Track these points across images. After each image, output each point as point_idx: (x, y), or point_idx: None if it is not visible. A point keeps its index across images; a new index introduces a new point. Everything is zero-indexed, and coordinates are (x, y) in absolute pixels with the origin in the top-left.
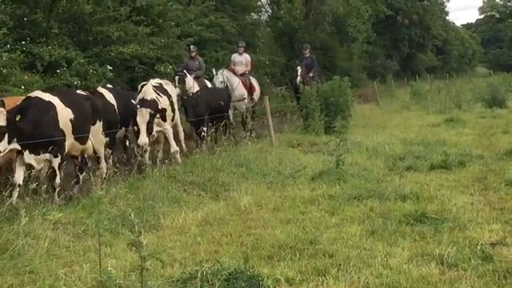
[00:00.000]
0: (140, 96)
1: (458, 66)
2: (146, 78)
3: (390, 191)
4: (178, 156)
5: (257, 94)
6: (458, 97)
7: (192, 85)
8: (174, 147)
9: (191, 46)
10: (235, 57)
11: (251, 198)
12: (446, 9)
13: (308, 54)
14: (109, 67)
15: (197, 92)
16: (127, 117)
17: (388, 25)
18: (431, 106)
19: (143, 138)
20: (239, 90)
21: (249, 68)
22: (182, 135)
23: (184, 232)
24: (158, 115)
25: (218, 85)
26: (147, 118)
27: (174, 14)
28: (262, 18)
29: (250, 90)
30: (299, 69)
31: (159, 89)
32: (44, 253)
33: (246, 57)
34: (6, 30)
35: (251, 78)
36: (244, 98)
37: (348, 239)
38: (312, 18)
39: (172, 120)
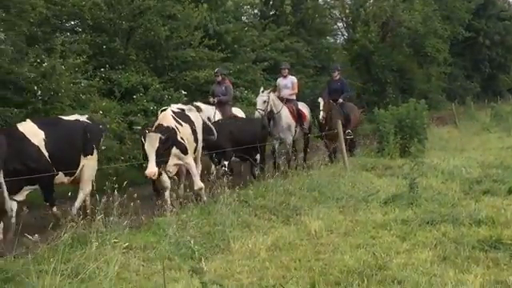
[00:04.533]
0: (156, 123)
1: None
2: None
3: (465, 216)
4: (202, 193)
5: (307, 123)
6: None
7: (212, 113)
8: (199, 184)
9: (217, 69)
10: (280, 81)
11: (322, 222)
12: None
13: (338, 77)
14: (183, 92)
15: (218, 120)
16: None
17: (468, 46)
18: None
19: (151, 168)
20: (286, 118)
21: (295, 91)
22: (198, 169)
23: (253, 257)
24: (174, 146)
25: (260, 105)
26: (156, 144)
27: (249, 40)
28: (338, 41)
29: (300, 118)
30: (321, 101)
31: (180, 115)
32: (114, 276)
33: (292, 79)
34: (85, 58)
35: (300, 103)
36: (291, 129)
37: (418, 265)
38: (389, 40)
39: (194, 152)
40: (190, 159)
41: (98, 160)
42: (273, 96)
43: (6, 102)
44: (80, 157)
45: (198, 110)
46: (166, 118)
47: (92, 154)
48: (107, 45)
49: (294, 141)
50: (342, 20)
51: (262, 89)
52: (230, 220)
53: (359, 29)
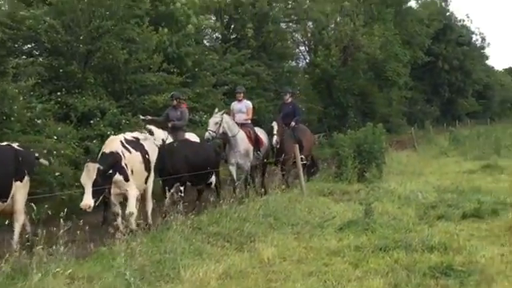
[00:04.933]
0: (102, 149)
1: (501, 111)
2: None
3: (418, 242)
4: (132, 220)
5: (264, 149)
6: (498, 142)
7: (164, 137)
8: (131, 208)
9: (173, 93)
10: (234, 105)
11: (275, 249)
12: (487, 53)
13: (289, 100)
14: (141, 117)
15: (173, 143)
16: None
17: (428, 70)
18: (469, 152)
19: (86, 200)
20: (243, 143)
21: (250, 116)
22: (150, 203)
23: (203, 286)
24: (116, 172)
25: (211, 126)
26: (93, 175)
27: (210, 63)
28: (300, 65)
29: (257, 143)
30: (275, 126)
31: (132, 142)
32: None
33: (247, 104)
34: (39, 81)
35: (257, 128)
36: (248, 154)
37: None
38: (350, 64)
39: (145, 181)
40: (131, 187)
41: (51, 186)
42: (227, 118)
43: None
44: (12, 183)
45: (150, 133)
46: (112, 143)
47: (22, 181)
48: (64, 68)
49: (251, 166)
50: (304, 44)
51: (216, 110)
52: (181, 248)
53: (320, 53)
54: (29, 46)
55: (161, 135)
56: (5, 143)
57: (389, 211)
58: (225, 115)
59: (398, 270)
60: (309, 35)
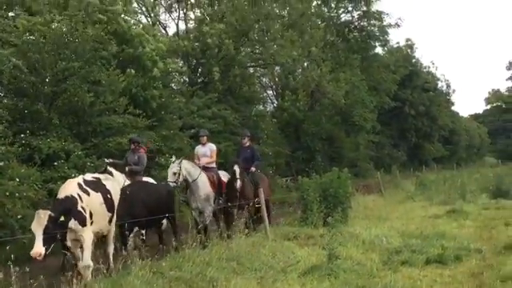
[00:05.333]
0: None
1: (467, 156)
2: (146, 170)
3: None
4: (88, 273)
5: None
6: (463, 187)
7: (122, 181)
8: (86, 260)
9: (131, 137)
10: (198, 148)
11: None
12: (452, 99)
13: (247, 144)
14: (106, 160)
15: (128, 186)
16: None
17: (394, 115)
18: (435, 197)
19: (37, 248)
20: (204, 188)
21: (214, 159)
22: (111, 245)
23: None
24: (71, 218)
25: (170, 177)
26: (44, 222)
27: (176, 106)
28: (268, 108)
29: (219, 188)
30: (237, 169)
31: (92, 184)
32: None
33: (211, 146)
34: (5, 123)
35: (222, 172)
36: (209, 199)
37: None
38: (317, 108)
39: (110, 222)
40: (86, 232)
41: (13, 229)
42: (186, 164)
43: None
44: None
45: (110, 175)
46: (68, 186)
47: None
48: (29, 109)
49: (215, 211)
50: (272, 88)
51: (173, 158)
52: None
53: (287, 97)
54: None
55: (120, 178)
56: None
57: (353, 256)
58: (183, 161)
59: None
60: (276, 79)
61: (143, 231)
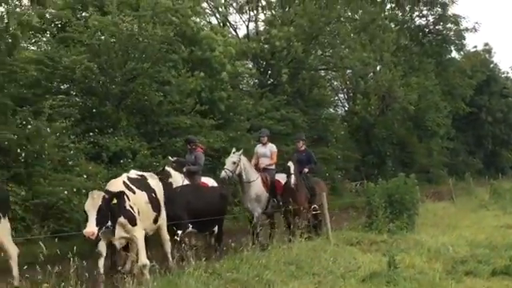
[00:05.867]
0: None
1: None
2: (212, 171)
3: None
4: (146, 271)
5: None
6: None
7: (180, 181)
8: (143, 260)
9: (187, 138)
10: (258, 148)
11: None
12: None
13: (303, 148)
14: (171, 158)
15: (176, 188)
16: None
17: (470, 121)
18: (510, 207)
19: (89, 227)
20: (256, 187)
21: (274, 160)
22: (167, 244)
23: None
24: (121, 215)
25: (229, 165)
26: (99, 202)
27: (244, 108)
28: (339, 112)
29: (273, 190)
30: (291, 165)
31: (137, 182)
32: None
33: (271, 147)
34: (73, 122)
35: (281, 174)
36: (260, 199)
37: None
38: (388, 113)
39: (155, 222)
40: (138, 232)
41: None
42: (245, 161)
43: None
44: None
45: (168, 175)
46: (115, 183)
47: None
48: (98, 108)
49: (271, 213)
50: (343, 91)
51: (234, 149)
52: None
53: (359, 101)
54: (64, 86)
55: (179, 179)
56: None
57: (416, 264)
58: (243, 157)
59: None
60: (347, 83)
61: (179, 231)
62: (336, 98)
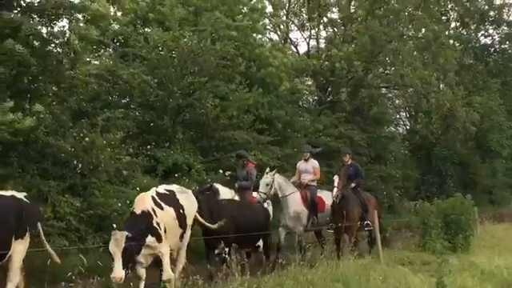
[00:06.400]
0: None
1: None
2: None
3: None
4: (172, 285)
5: (326, 214)
6: None
7: (231, 197)
8: (169, 273)
9: (238, 153)
10: (300, 164)
11: None
12: None
13: (349, 162)
14: (226, 173)
15: (220, 200)
16: None
17: None
18: None
19: (116, 272)
20: (295, 205)
21: (317, 176)
22: (181, 262)
23: None
24: (148, 234)
25: (262, 187)
26: (122, 244)
27: (302, 125)
28: (400, 131)
29: (314, 206)
30: (336, 179)
31: (165, 197)
32: None
33: (314, 163)
34: (126, 134)
35: (325, 192)
36: (300, 217)
37: None
38: (451, 132)
39: (181, 238)
40: (164, 248)
41: None
42: (278, 178)
43: (44, 174)
44: (11, 239)
45: (215, 192)
46: (142, 200)
47: (23, 238)
48: (155, 122)
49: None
50: (405, 110)
51: (267, 170)
52: None
53: (420, 120)
54: (123, 100)
55: (227, 194)
56: (9, 193)
57: (466, 286)
58: (276, 175)
59: None
60: (409, 101)
61: (227, 249)
62: (397, 116)
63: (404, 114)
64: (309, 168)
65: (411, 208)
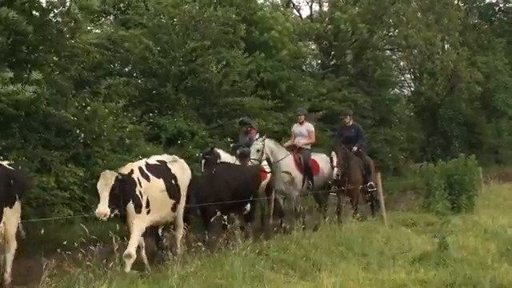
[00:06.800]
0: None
1: None
2: None
3: (489, 280)
4: (129, 262)
5: (319, 178)
6: None
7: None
8: (131, 250)
9: (241, 120)
10: (295, 128)
11: (339, 279)
12: None
13: (350, 123)
14: (230, 139)
15: (211, 169)
16: None
17: None
18: None
19: (101, 208)
20: (288, 168)
21: (312, 140)
22: (180, 229)
23: None
24: (130, 200)
25: (253, 154)
26: (111, 182)
27: (305, 89)
28: (405, 93)
29: (308, 170)
30: (334, 157)
31: (154, 169)
32: None
33: (308, 126)
34: (127, 102)
35: (321, 155)
36: (294, 182)
37: None
38: (456, 93)
39: (173, 209)
40: (137, 220)
41: None
42: (270, 143)
43: (47, 144)
44: (1, 209)
45: (216, 156)
46: (128, 169)
47: (12, 207)
48: (157, 90)
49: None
50: (410, 72)
51: (257, 135)
52: (242, 273)
53: (425, 81)
54: (125, 68)
55: (228, 160)
56: None
57: (469, 245)
58: (266, 140)
59: None
60: (413, 63)
61: (225, 216)
62: (402, 78)
63: (408, 76)
64: (303, 131)
65: (416, 170)
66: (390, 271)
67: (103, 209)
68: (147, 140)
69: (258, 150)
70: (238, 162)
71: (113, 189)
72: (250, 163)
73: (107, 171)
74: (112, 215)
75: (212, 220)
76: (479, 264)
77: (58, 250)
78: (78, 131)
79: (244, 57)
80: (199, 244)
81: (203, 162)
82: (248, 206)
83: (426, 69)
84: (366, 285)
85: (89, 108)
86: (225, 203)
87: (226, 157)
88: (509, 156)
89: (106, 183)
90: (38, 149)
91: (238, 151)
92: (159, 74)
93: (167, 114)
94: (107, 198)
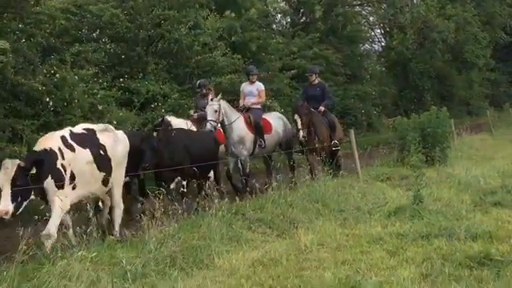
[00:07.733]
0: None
1: None
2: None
3: (464, 229)
4: (49, 243)
5: (273, 137)
6: None
7: (186, 128)
8: (50, 229)
9: (199, 82)
10: (244, 87)
11: (316, 235)
12: None
13: (316, 81)
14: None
15: (171, 131)
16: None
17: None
18: None
19: (3, 205)
20: (238, 129)
21: (262, 99)
22: (118, 210)
23: (233, 273)
24: (49, 174)
25: (211, 115)
26: (12, 174)
27: (276, 48)
28: (376, 48)
29: (259, 129)
30: (298, 120)
31: (81, 138)
32: None
33: (259, 86)
34: (97, 69)
35: (275, 113)
36: (244, 142)
37: (397, 284)
38: (427, 46)
39: (105, 183)
40: (60, 196)
41: None
42: (224, 104)
43: (17, 113)
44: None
45: (167, 125)
46: (47, 139)
47: None
48: (127, 54)
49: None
50: (379, 27)
51: (210, 97)
52: (220, 234)
53: (396, 36)
54: (93, 34)
55: (181, 125)
56: None
57: (443, 197)
58: (221, 101)
59: (434, 259)
60: (383, 18)
61: (184, 182)
62: (372, 33)
63: (379, 31)
64: (253, 90)
65: (390, 124)
66: (367, 226)
67: (4, 206)
68: (120, 105)
69: (216, 111)
70: (192, 128)
71: (15, 180)
72: (208, 125)
73: (7, 160)
74: (20, 210)
75: (172, 187)
76: (454, 215)
77: (36, 217)
78: (47, 99)
79: (214, 15)
80: (175, 207)
81: (155, 134)
82: (211, 174)
83: (395, 23)
84: (343, 240)
85: (57, 75)
86: (184, 169)
87: (178, 123)
88: (479, 107)
89: (6, 175)
90: (9, 118)
91: (195, 115)
92: (128, 39)
93: (138, 77)
94: (9, 193)
